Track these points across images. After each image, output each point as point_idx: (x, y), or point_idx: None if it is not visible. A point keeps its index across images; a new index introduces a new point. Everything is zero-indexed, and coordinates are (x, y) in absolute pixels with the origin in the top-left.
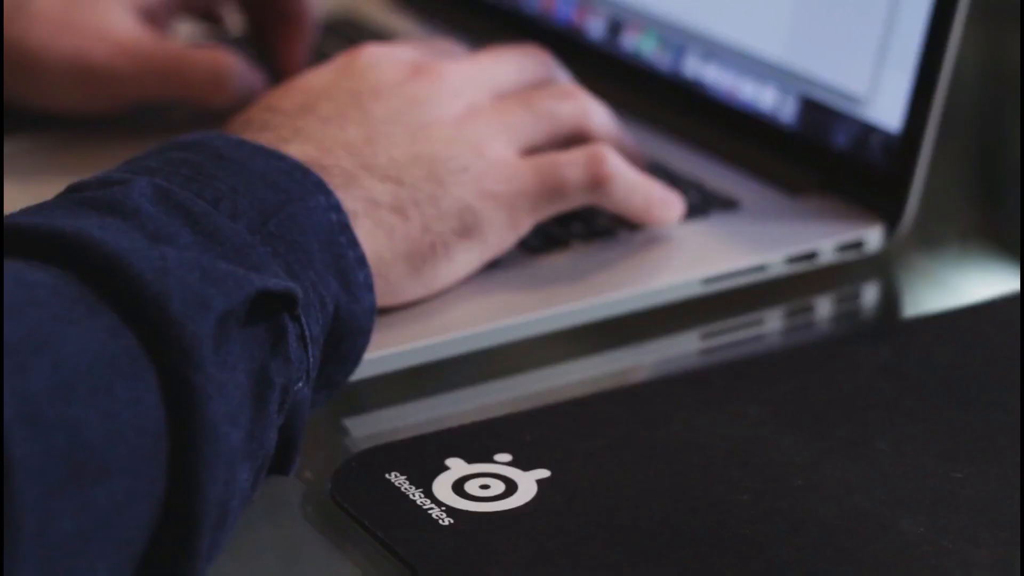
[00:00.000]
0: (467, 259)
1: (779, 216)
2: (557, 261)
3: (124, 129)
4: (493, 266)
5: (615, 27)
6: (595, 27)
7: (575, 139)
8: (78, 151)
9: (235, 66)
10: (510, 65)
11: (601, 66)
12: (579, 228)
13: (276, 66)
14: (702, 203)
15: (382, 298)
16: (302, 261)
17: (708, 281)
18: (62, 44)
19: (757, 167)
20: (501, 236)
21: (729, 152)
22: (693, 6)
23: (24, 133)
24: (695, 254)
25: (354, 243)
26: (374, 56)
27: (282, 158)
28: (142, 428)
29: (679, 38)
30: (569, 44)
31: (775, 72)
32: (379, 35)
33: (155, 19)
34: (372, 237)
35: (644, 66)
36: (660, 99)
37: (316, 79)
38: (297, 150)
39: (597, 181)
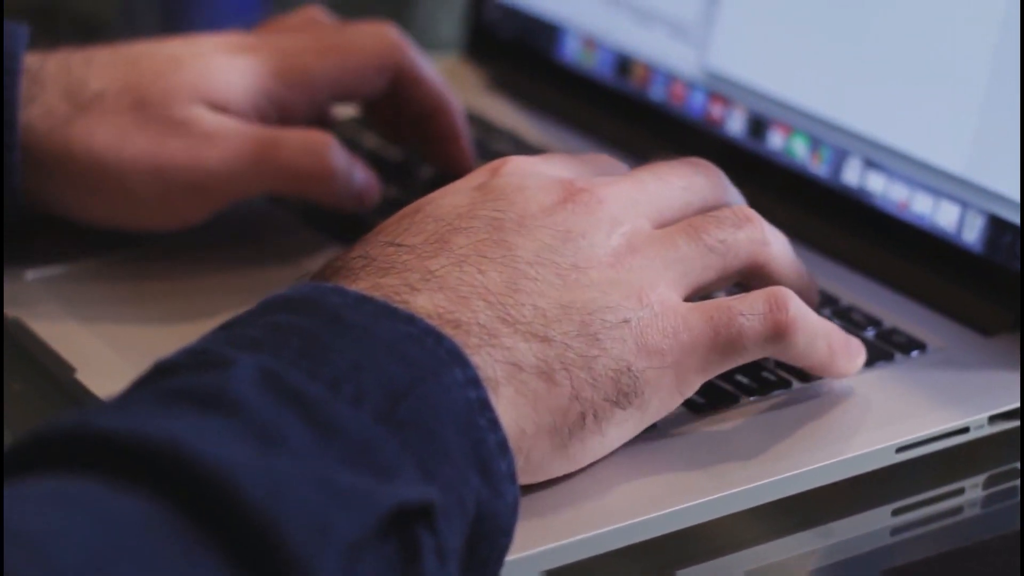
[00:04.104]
0: (621, 432)
1: (974, 363)
2: (726, 424)
3: (197, 249)
4: (651, 427)
5: (758, 124)
6: (734, 122)
7: (748, 272)
8: (149, 274)
9: (333, 144)
10: (677, 184)
11: (740, 167)
12: (747, 380)
13: (448, 171)
14: (885, 344)
15: (520, 476)
16: (438, 455)
17: (903, 448)
18: (136, 143)
19: (937, 297)
20: (663, 400)
21: (900, 276)
22: (853, 106)
23: (85, 255)
24: (885, 413)
25: (495, 425)
26: (519, 173)
27: (411, 320)
28: None
29: (836, 140)
30: (701, 140)
31: (956, 185)
32: (475, 118)
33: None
34: (514, 407)
35: (793, 170)
36: (812, 209)
37: (448, 203)
38: (427, 302)
39: (779, 332)
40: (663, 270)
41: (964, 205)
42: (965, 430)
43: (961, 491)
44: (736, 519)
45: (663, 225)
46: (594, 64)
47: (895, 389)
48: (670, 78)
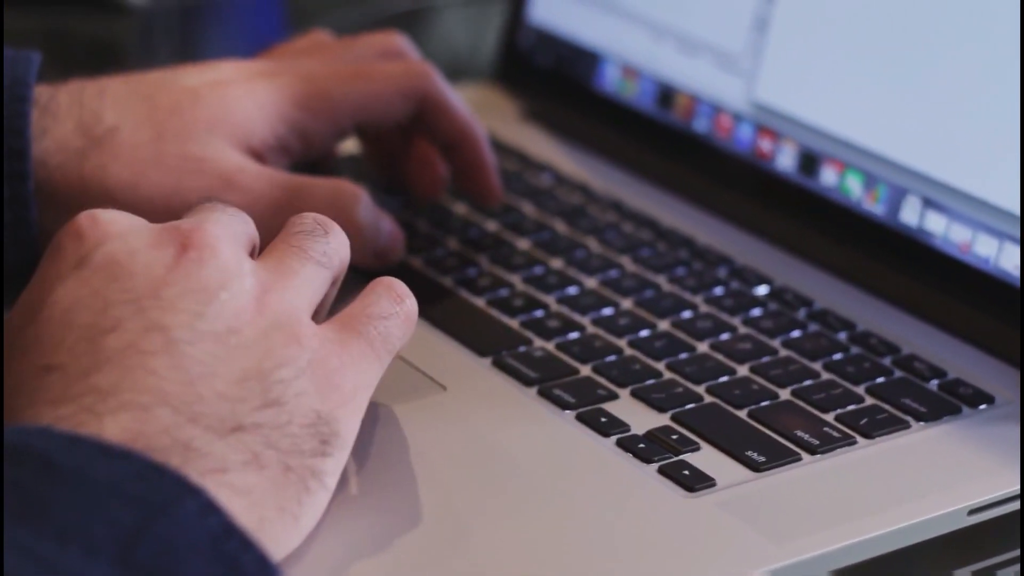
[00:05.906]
0: (335, 476)
1: None
2: (787, 484)
3: None
4: (710, 487)
5: (809, 160)
6: (784, 158)
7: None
8: None
9: (362, 197)
10: (240, 210)
11: (790, 204)
12: (809, 437)
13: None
14: (951, 396)
15: None
16: None
17: (976, 511)
18: (152, 180)
19: (1004, 345)
20: (354, 428)
21: (963, 322)
22: (911, 141)
23: None
24: (955, 473)
25: (246, 545)
26: (114, 234)
27: (126, 456)
28: None
29: (893, 178)
30: (749, 175)
31: (1020, 227)
32: (510, 149)
33: (263, 161)
34: (235, 509)
35: (847, 208)
36: (868, 250)
37: (65, 297)
38: (115, 427)
39: (412, 319)
40: (297, 300)
41: None
42: None
43: None
44: None
45: (247, 247)
46: (635, 94)
47: (964, 446)
48: (716, 110)
